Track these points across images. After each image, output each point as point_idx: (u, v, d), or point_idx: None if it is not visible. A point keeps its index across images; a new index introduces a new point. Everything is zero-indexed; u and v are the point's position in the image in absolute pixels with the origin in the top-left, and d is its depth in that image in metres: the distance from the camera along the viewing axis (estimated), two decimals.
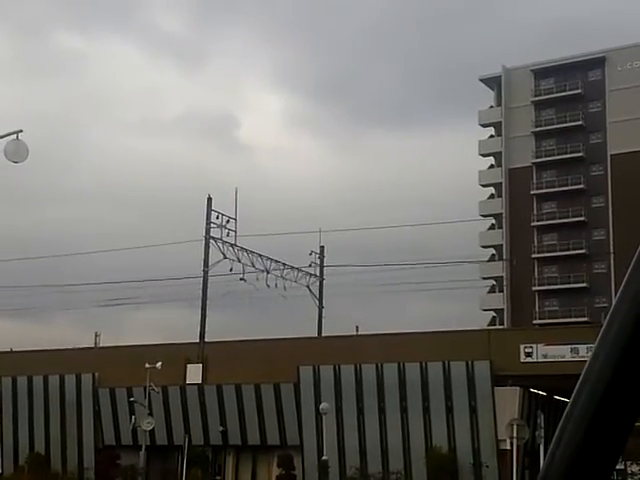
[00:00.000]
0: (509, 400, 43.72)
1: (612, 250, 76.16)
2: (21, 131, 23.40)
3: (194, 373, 51.27)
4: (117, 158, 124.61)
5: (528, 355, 44.54)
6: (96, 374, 53.27)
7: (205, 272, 55.83)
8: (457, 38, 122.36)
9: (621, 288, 1.25)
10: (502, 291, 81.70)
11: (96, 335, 65.87)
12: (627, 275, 1.24)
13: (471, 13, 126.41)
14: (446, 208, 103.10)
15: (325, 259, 64.43)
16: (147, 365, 46.47)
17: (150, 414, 46.91)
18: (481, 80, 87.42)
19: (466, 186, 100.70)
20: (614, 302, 1.25)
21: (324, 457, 43.83)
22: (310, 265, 62.72)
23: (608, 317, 1.25)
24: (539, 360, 44.04)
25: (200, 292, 55.82)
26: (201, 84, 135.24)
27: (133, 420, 48.54)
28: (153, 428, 47.20)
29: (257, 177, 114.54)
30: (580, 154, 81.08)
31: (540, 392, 45.86)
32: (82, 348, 57.49)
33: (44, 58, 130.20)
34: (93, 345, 62.58)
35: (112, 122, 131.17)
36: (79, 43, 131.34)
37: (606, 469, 1.26)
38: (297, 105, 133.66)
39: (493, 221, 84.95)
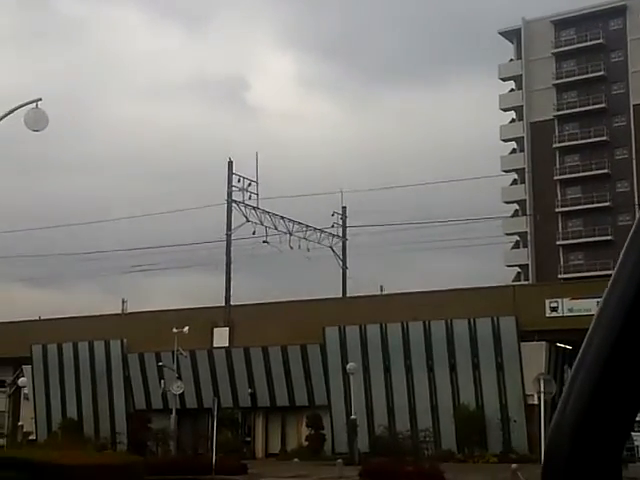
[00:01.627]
0: (535, 355, 43.78)
1: (637, 202, 75.49)
2: (40, 99, 23.45)
3: (221, 336, 51.70)
4: (131, 124, 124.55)
5: (554, 310, 44.49)
6: (124, 340, 53.85)
7: (228, 236, 56.05)
8: None
9: (632, 230, 1.22)
10: (526, 246, 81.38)
11: (123, 301, 66.48)
12: (637, 219, 1.22)
13: None
14: (467, 164, 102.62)
15: (347, 219, 64.45)
16: (174, 330, 46.88)
17: (179, 378, 47.42)
18: (500, 33, 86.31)
19: (487, 142, 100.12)
20: (625, 245, 1.22)
21: (352, 416, 44.20)
22: (333, 226, 62.78)
23: (619, 261, 1.22)
24: (565, 314, 43.98)
25: (224, 256, 56.17)
26: (209, 48, 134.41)
27: (163, 384, 49.12)
28: (183, 392, 47.73)
29: (272, 139, 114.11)
30: (602, 105, 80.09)
31: (566, 346, 45.84)
32: (110, 314, 58.05)
33: (50, 26, 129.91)
34: (120, 311, 63.17)
35: (122, 89, 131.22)
36: (83, 10, 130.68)
37: (622, 418, 1.20)
38: (309, 66, 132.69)
39: (515, 176, 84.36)
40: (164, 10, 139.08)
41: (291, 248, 58.54)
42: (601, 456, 1.20)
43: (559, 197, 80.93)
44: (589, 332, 1.21)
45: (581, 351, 1.22)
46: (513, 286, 58.15)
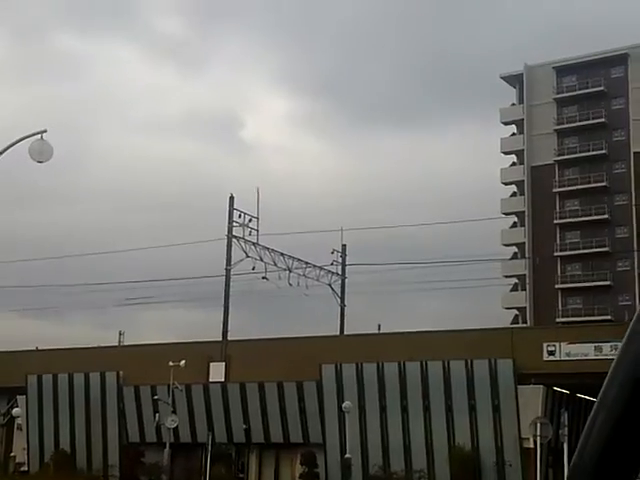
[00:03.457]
0: (532, 398, 43.63)
1: (636, 248, 75.70)
2: (45, 131, 23.57)
3: (217, 371, 51.53)
4: (127, 159, 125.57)
5: (551, 353, 44.43)
6: (120, 372, 53.64)
7: (227, 271, 56.10)
8: (472, 35, 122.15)
9: None
10: (525, 289, 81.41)
11: (120, 334, 66.47)
12: None
13: (485, 10, 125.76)
14: (466, 207, 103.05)
15: (347, 258, 64.54)
16: (171, 363, 46.77)
17: (174, 412, 47.22)
18: (502, 78, 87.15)
19: (486, 185, 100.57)
20: None
21: (347, 455, 43.93)
22: (332, 263, 62.87)
23: None
24: (562, 358, 43.92)
25: (222, 291, 56.17)
26: (204, 86, 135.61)
27: (157, 418, 48.88)
28: (177, 426, 47.51)
29: (267, 175, 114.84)
30: (603, 151, 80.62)
31: (563, 390, 45.73)
32: (106, 346, 57.92)
33: (46, 61, 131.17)
34: (117, 344, 63.08)
35: (117, 125, 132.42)
36: (82, 47, 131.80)
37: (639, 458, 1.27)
38: (303, 106, 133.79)
39: (515, 219, 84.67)
40: (161, 48, 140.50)
41: (290, 285, 58.62)
42: None
43: (558, 241, 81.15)
44: (610, 373, 1.28)
45: (602, 392, 1.29)
46: (511, 329, 58.07)
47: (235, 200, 57.24)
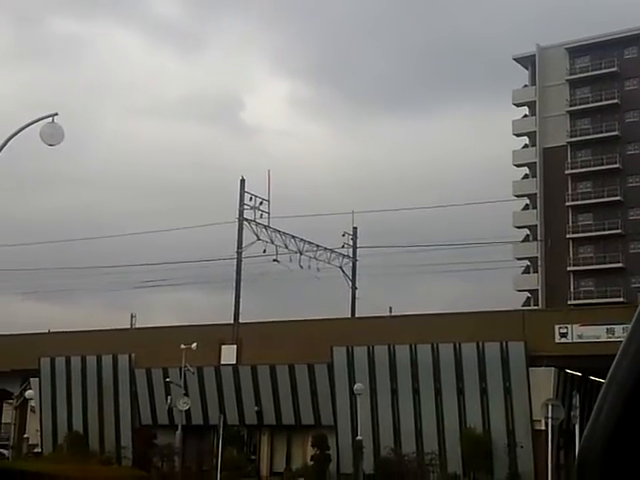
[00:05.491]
0: (544, 381, 43.59)
1: None
2: (56, 114, 23.55)
3: (229, 354, 51.67)
4: (128, 143, 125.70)
5: (563, 336, 44.34)
6: (132, 355, 53.87)
7: (239, 254, 56.15)
8: (484, 15, 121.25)
9: None
10: (537, 272, 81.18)
11: (132, 316, 66.68)
12: None
13: None
14: (477, 190, 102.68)
15: (358, 240, 64.48)
16: (182, 346, 46.89)
17: (186, 394, 47.39)
18: (515, 59, 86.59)
19: (498, 167, 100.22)
20: None
21: (358, 437, 44.02)
22: (343, 246, 62.82)
23: None
24: (574, 341, 43.81)
25: (234, 274, 56.25)
26: (203, 68, 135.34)
27: (169, 400, 49.08)
28: (189, 408, 47.69)
29: (267, 158, 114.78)
30: (616, 133, 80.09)
31: (575, 373, 45.65)
32: (119, 329, 58.08)
33: (46, 45, 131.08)
34: (129, 326, 63.28)
35: (118, 109, 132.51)
36: (80, 30, 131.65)
37: None
38: (303, 89, 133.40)
39: (527, 201, 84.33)
40: (161, 32, 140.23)
41: (301, 267, 58.63)
42: (632, 466, 1.26)
43: (570, 223, 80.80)
44: (621, 348, 1.28)
45: (613, 366, 1.28)
46: (522, 311, 57.95)
47: (240, 182, 57.14)
